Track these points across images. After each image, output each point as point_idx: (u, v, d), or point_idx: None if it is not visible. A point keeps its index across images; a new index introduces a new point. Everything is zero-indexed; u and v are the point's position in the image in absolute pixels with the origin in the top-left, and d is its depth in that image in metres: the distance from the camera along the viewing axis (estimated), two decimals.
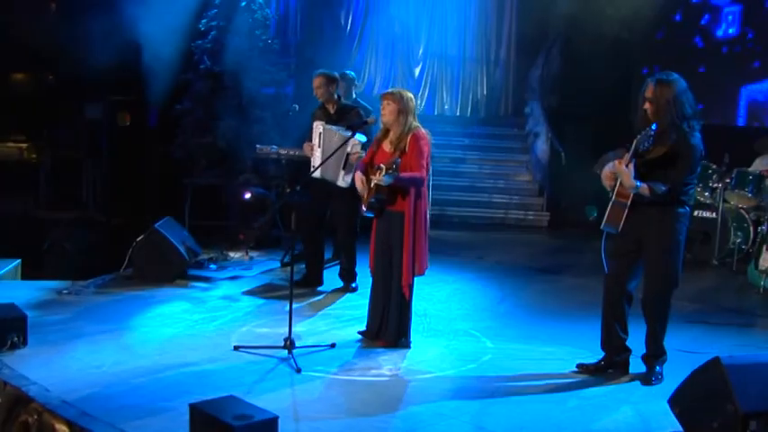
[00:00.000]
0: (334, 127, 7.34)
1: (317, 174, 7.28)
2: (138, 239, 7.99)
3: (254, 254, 9.26)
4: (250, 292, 7.72)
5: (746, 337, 6.82)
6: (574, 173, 12.40)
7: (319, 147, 7.39)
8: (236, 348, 5.92)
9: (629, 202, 5.45)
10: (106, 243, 10.12)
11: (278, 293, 7.65)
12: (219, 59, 10.74)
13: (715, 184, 9.96)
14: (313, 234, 7.95)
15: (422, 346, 6.20)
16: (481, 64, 14.03)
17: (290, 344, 5.79)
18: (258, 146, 8.93)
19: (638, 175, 5.37)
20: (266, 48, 10.94)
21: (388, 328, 6.14)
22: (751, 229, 9.64)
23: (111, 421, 4.62)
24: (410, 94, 6.08)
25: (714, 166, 10.03)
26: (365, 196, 6.21)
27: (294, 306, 7.23)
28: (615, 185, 5.55)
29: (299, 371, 5.50)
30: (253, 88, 10.73)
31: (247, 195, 9.87)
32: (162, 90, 10.73)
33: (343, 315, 7.01)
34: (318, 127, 7.43)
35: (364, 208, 6.25)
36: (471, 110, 14.04)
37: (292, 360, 5.65)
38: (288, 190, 8.42)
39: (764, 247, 8.46)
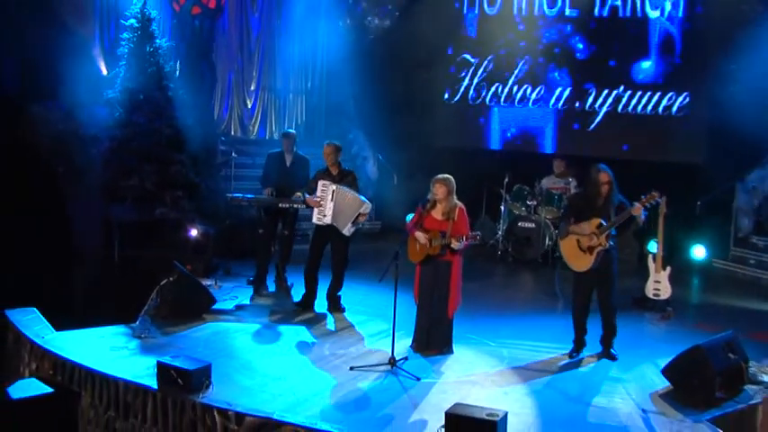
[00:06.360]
0: (344, 187, 9.70)
1: (326, 221, 9.67)
2: (165, 281, 9.42)
3: (220, 283, 11.09)
4: (277, 321, 9.73)
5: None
6: (396, 186, 15.55)
7: (332, 200, 9.69)
8: (351, 369, 8.17)
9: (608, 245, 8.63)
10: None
11: (301, 318, 9.81)
12: (135, 109, 12.14)
13: (530, 202, 13.72)
14: (315, 267, 10.16)
15: (456, 350, 8.81)
16: (300, 94, 16.56)
17: (393, 361, 8.23)
18: (229, 195, 10.82)
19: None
20: (174, 96, 12.48)
21: (437, 339, 8.76)
22: (554, 233, 13.49)
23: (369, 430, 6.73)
24: (452, 178, 8.69)
25: (528, 188, 13.80)
26: (417, 250, 8.73)
27: (329, 328, 9.55)
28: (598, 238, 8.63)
29: (418, 379, 7.92)
30: (166, 134, 12.31)
31: (193, 231, 11.58)
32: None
33: (374, 333, 9.31)
34: (330, 186, 9.74)
35: (415, 259, 8.76)
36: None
37: (404, 372, 8.06)
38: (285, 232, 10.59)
39: None
